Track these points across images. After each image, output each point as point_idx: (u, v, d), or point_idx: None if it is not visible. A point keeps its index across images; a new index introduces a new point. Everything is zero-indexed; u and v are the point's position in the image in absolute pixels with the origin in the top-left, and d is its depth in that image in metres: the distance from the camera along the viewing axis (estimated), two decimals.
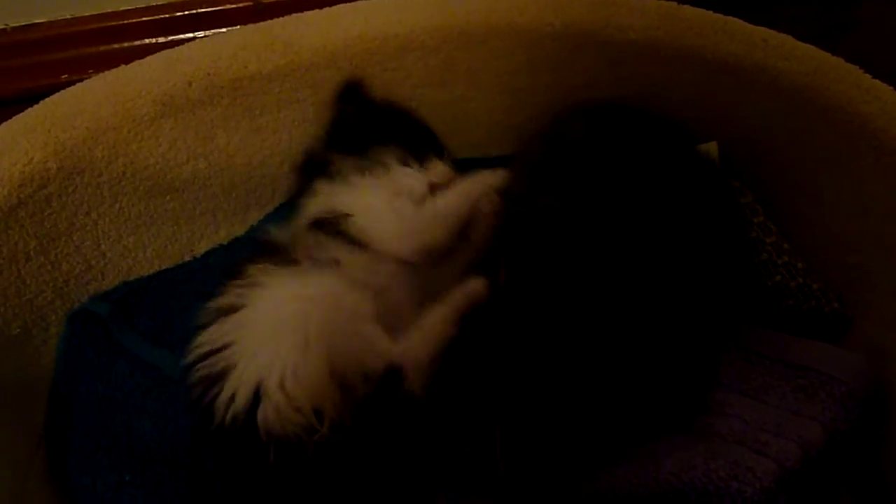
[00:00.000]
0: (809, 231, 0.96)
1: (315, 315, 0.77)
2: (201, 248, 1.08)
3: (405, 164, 0.94)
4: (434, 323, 0.79)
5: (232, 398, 0.73)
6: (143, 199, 0.99)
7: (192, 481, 0.83)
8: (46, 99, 0.93)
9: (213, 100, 0.98)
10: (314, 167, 0.97)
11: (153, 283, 1.02)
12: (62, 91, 0.94)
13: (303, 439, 0.71)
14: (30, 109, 0.91)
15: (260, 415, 0.72)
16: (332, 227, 0.88)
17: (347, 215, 0.89)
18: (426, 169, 0.95)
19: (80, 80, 0.96)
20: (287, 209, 1.07)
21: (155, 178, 0.98)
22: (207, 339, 0.78)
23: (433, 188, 0.94)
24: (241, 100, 1.00)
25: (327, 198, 0.92)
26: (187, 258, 1.07)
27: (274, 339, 0.76)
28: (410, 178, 0.93)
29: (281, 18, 1.03)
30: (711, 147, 1.00)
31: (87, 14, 1.30)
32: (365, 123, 0.98)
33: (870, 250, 0.89)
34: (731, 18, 0.98)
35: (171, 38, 1.28)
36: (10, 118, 0.90)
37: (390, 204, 0.91)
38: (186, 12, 1.30)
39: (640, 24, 0.99)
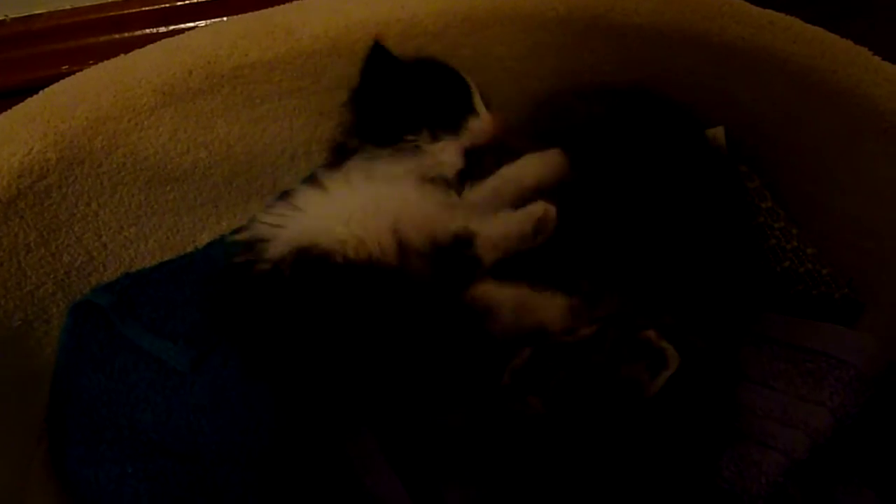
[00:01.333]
0: (819, 216, 0.95)
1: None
2: (203, 239, 1.07)
3: (436, 139, 0.93)
4: (513, 218, 0.82)
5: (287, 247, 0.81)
6: (143, 189, 0.98)
7: (193, 473, 0.83)
8: (46, 89, 0.92)
9: (213, 89, 0.97)
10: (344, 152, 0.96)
11: (155, 274, 1.01)
12: (62, 81, 0.93)
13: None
14: (29, 99, 0.90)
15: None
16: None
17: None
18: (461, 133, 0.93)
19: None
20: None
21: (155, 168, 0.98)
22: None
23: (469, 158, 0.93)
24: (242, 88, 0.99)
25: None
26: (189, 249, 1.06)
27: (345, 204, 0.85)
28: (442, 156, 0.93)
29: (282, 6, 1.02)
30: (718, 132, 0.99)
31: (87, 4, 1.30)
32: (393, 90, 0.95)
33: (881, 235, 0.88)
34: (737, 1, 0.97)
35: (171, 27, 1.27)
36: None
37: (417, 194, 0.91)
38: (187, 2, 1.29)
39: (645, 7, 0.98)
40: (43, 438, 0.89)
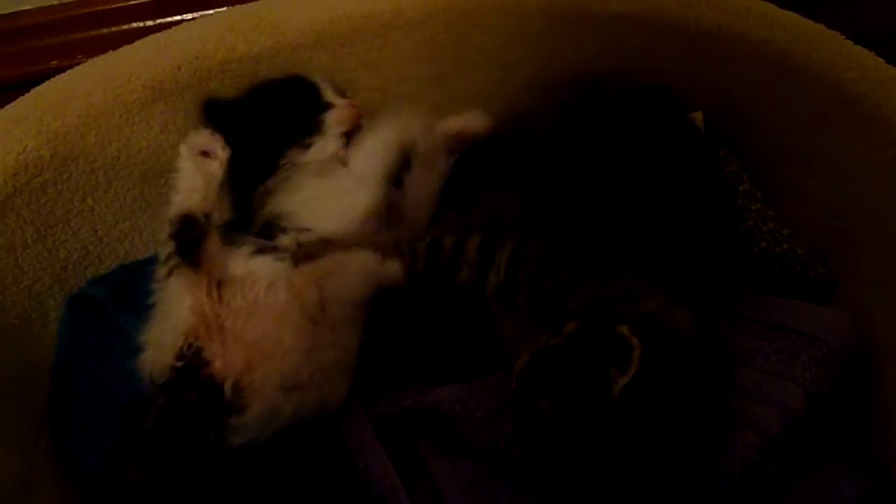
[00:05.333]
0: (794, 197, 0.97)
1: None
2: None
3: (306, 146, 0.97)
4: None
5: None
6: (137, 183, 1.00)
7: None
8: (37, 87, 0.93)
9: (201, 83, 0.99)
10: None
11: (150, 265, 1.02)
12: (52, 79, 0.94)
13: None
14: (21, 98, 0.92)
15: None
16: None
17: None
18: (327, 130, 0.97)
19: (70, 66, 0.96)
20: None
21: (148, 162, 0.99)
22: None
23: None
24: (230, 82, 1.00)
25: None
26: None
27: None
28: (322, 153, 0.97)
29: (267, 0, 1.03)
30: (697, 116, 1.01)
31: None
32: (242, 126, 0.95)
33: (853, 215, 0.90)
34: None
35: (158, 21, 1.28)
36: (1, 106, 0.91)
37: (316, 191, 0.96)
38: None
39: None
40: (45, 428, 0.91)
